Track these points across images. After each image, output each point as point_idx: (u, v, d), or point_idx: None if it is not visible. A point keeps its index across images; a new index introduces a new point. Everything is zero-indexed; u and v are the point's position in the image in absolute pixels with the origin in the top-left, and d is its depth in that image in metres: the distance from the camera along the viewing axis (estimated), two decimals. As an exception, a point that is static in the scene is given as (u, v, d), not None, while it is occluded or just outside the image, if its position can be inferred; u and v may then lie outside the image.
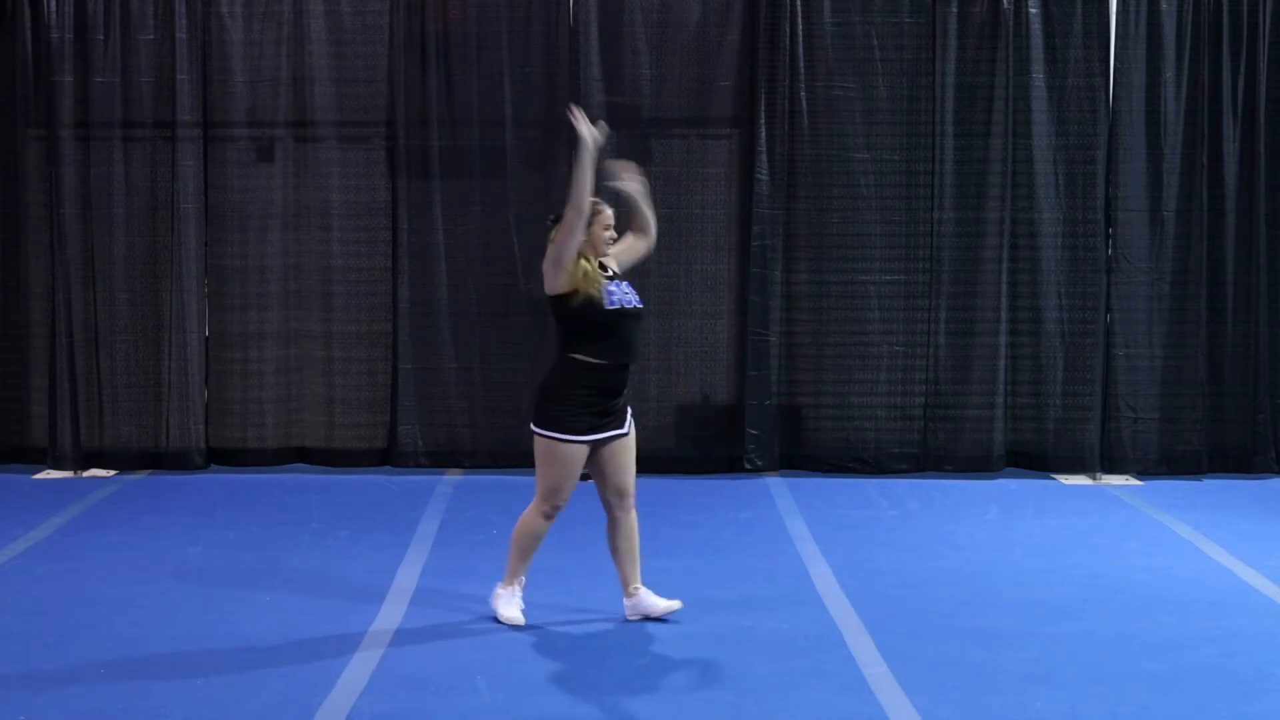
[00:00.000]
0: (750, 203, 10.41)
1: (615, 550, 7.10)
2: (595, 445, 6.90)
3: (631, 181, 7.11)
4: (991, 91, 10.39)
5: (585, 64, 10.41)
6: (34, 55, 10.39)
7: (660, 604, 7.11)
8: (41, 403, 10.55)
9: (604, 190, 7.11)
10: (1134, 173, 10.42)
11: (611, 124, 10.37)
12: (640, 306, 6.99)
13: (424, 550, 8.40)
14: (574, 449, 6.85)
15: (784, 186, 10.43)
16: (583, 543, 8.41)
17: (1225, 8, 10.39)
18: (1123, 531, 9.00)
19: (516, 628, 6.95)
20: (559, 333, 6.93)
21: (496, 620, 7.03)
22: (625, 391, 6.96)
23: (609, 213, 6.98)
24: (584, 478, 7.02)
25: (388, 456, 10.60)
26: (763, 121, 10.36)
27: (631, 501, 7.05)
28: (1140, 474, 10.49)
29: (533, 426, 6.91)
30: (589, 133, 6.73)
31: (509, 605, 7.04)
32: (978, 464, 10.47)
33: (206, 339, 10.56)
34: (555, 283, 6.82)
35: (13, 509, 9.38)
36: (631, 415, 7.05)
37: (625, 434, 6.99)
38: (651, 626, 7.00)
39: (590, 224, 6.85)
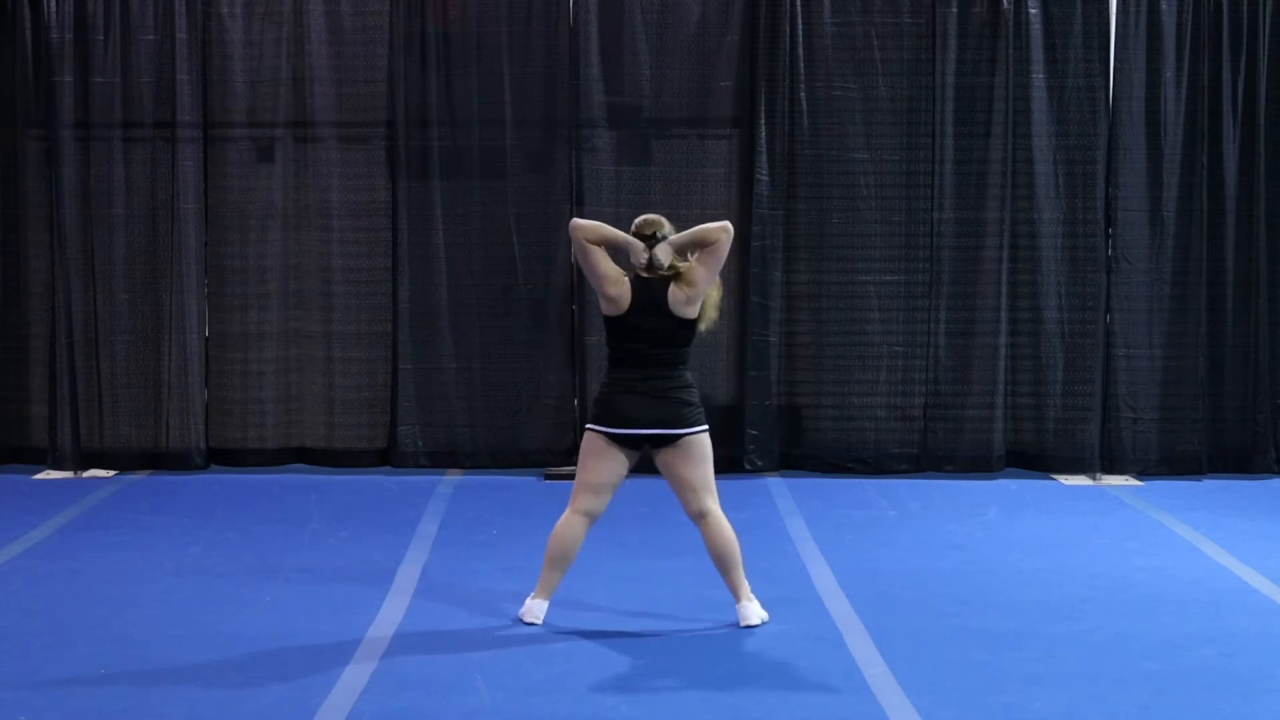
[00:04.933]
0: (750, 203, 10.40)
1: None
2: None
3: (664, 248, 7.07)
4: (991, 91, 10.39)
5: (585, 64, 10.41)
6: (34, 55, 10.39)
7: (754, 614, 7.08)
8: (41, 403, 10.55)
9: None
10: (1134, 173, 10.42)
11: (611, 124, 10.48)
12: None
13: (424, 550, 8.40)
14: None
15: (784, 186, 10.43)
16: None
17: (1225, 8, 10.38)
18: (1123, 532, 9.00)
19: (518, 629, 6.95)
20: (683, 350, 6.97)
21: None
22: None
23: None
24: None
25: (387, 456, 10.60)
26: (763, 121, 10.36)
27: None
28: (1140, 474, 10.49)
29: (701, 429, 6.92)
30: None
31: (755, 614, 7.00)
32: (978, 464, 10.46)
33: (206, 339, 10.56)
34: (696, 309, 6.96)
35: (13, 509, 9.38)
36: None
37: None
38: (651, 628, 6.99)
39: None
